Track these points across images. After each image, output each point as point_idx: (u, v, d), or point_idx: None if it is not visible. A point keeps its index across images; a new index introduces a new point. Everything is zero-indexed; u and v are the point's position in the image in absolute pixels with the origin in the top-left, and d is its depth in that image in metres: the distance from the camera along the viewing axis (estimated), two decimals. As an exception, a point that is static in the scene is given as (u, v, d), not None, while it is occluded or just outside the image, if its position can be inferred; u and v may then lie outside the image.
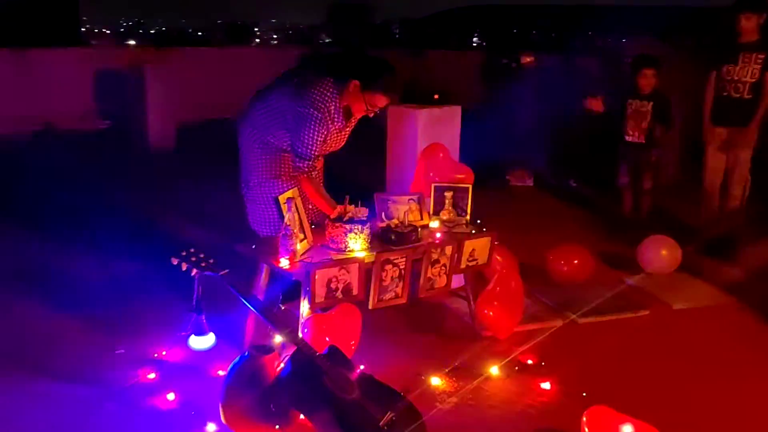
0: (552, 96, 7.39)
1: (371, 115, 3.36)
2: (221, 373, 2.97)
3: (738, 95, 4.85)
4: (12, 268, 4.35)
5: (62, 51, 10.60)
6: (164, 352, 3.20)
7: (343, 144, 3.51)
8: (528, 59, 7.10)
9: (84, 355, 3.23)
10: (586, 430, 2.56)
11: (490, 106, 7.50)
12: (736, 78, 4.83)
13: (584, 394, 2.96)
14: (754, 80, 4.77)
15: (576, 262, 4.25)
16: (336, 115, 3.32)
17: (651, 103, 5.25)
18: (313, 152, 3.24)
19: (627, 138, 5.36)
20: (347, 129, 3.47)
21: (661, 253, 4.47)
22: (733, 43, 4.86)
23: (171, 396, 2.85)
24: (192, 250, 2.70)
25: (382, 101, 3.31)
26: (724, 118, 4.95)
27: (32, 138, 8.77)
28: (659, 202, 5.59)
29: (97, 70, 9.72)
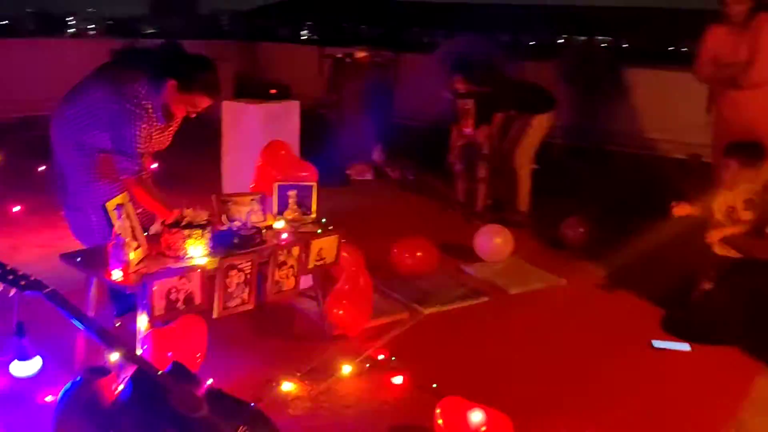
0: (387, 90, 7.52)
1: (192, 115, 3.18)
2: (50, 399, 2.69)
3: None
4: None
5: None
6: (-21, 382, 2.84)
7: (168, 143, 3.31)
8: (362, 54, 7.15)
9: None
10: (440, 422, 2.61)
11: (326, 100, 7.50)
12: None
13: (435, 386, 3.02)
14: None
15: (419, 254, 4.34)
16: (155, 114, 3.11)
17: (471, 100, 5.55)
18: (136, 149, 3.01)
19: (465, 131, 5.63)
20: (171, 128, 3.27)
21: (495, 242, 4.68)
22: None
23: (-10, 432, 2.54)
24: (8, 267, 2.39)
25: (203, 102, 3.14)
26: None
27: None
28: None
29: None
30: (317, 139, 6.89)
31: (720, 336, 3.58)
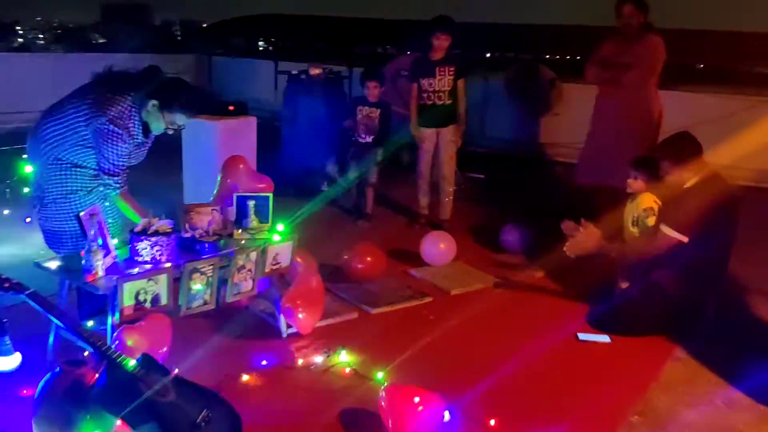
0: (339, 104, 7.85)
1: (170, 132, 3.50)
2: (27, 392, 2.94)
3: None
4: None
5: None
6: (-42, 381, 3.07)
7: (143, 158, 3.61)
8: (317, 71, 7.47)
9: None
10: (383, 404, 2.94)
11: (282, 116, 7.79)
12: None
13: (380, 375, 3.36)
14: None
15: (369, 259, 4.68)
16: (135, 132, 3.40)
17: (379, 110, 6.03)
18: (119, 167, 3.32)
19: (359, 139, 6.09)
20: (147, 145, 3.57)
21: (439, 247, 5.06)
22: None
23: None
24: (-8, 271, 2.66)
25: (181, 119, 3.46)
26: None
27: None
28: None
29: None
30: (273, 151, 7.21)
31: (638, 328, 4.00)
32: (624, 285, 4.26)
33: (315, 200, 5.48)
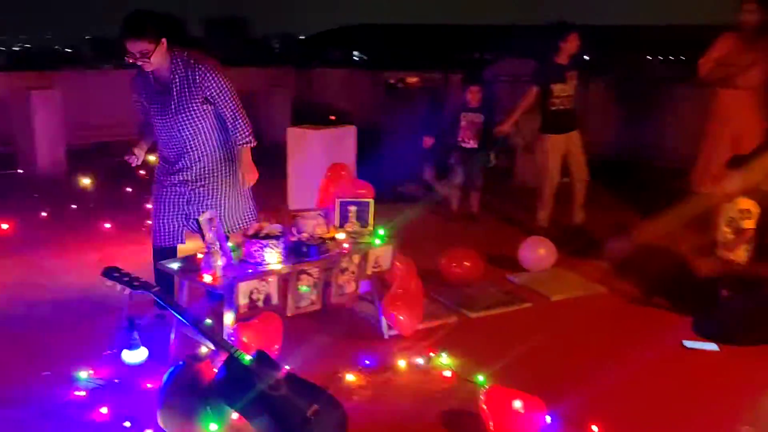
0: (438, 111, 7.95)
1: (131, 60, 3.58)
2: (151, 385, 3.17)
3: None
4: None
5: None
6: (92, 371, 3.34)
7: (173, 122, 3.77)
8: (413, 80, 7.60)
9: (11, 379, 3.33)
10: (484, 407, 2.99)
11: (380, 123, 7.96)
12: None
13: (480, 378, 3.40)
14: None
15: (467, 264, 4.73)
16: (136, 85, 3.84)
17: (482, 115, 6.09)
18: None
19: (464, 145, 6.21)
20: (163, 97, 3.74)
21: (539, 252, 5.04)
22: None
23: (104, 410, 3.03)
24: (123, 271, 2.91)
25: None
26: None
27: None
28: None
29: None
30: (372, 158, 7.38)
31: (747, 336, 3.86)
32: (725, 293, 4.11)
33: (414, 205, 5.60)
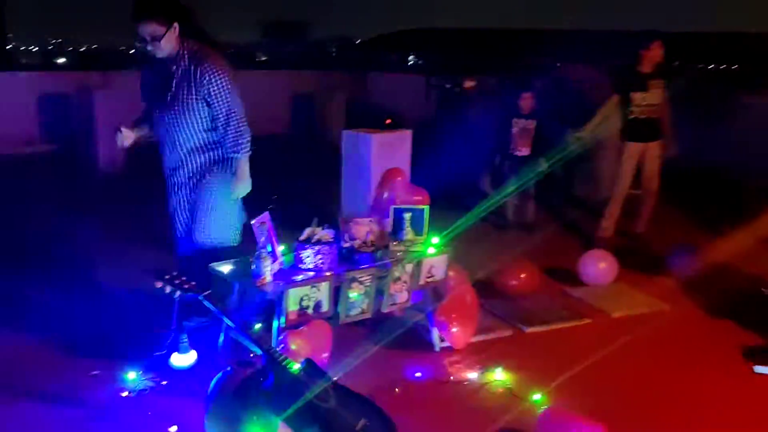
0: (491, 116, 7.79)
1: (142, 46, 3.53)
2: (203, 388, 3.12)
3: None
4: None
5: (5, 75, 10.44)
6: (140, 372, 3.32)
7: (165, 109, 3.63)
8: (470, 84, 7.47)
9: (62, 379, 3.33)
10: (541, 428, 2.84)
11: (435, 128, 7.84)
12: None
13: (537, 397, 3.25)
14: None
15: (523, 276, 4.57)
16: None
17: (534, 121, 6.00)
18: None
19: (516, 153, 6.11)
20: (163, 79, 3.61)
21: (599, 266, 4.84)
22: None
23: (152, 413, 2.99)
24: (174, 273, 2.86)
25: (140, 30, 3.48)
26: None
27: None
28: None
29: (43, 95, 9.64)
30: (425, 164, 7.26)
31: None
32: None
33: (469, 214, 5.44)
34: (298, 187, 7.01)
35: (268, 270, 3.15)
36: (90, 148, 8.56)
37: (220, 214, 3.66)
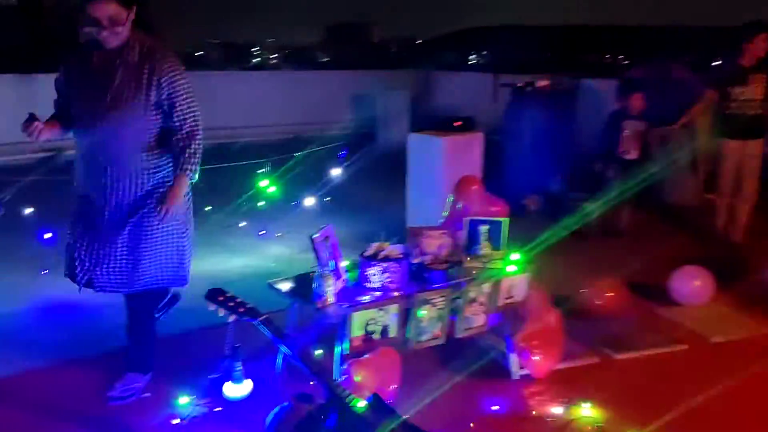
0: (567, 118, 7.32)
1: (91, 31, 2.85)
2: (259, 419, 2.84)
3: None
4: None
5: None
6: (195, 397, 3.06)
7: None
8: (543, 83, 7.03)
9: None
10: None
11: (505, 129, 7.42)
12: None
13: (632, 439, 2.84)
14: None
15: (610, 295, 4.14)
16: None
17: (644, 123, 5.70)
18: None
19: (626, 156, 5.77)
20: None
21: (694, 284, 4.36)
22: None
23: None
24: (228, 294, 2.58)
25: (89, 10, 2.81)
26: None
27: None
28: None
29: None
30: (493, 167, 6.87)
31: None
32: None
33: (557, 225, 5.00)
34: (360, 194, 6.73)
35: (331, 290, 2.84)
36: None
37: (170, 253, 3.03)
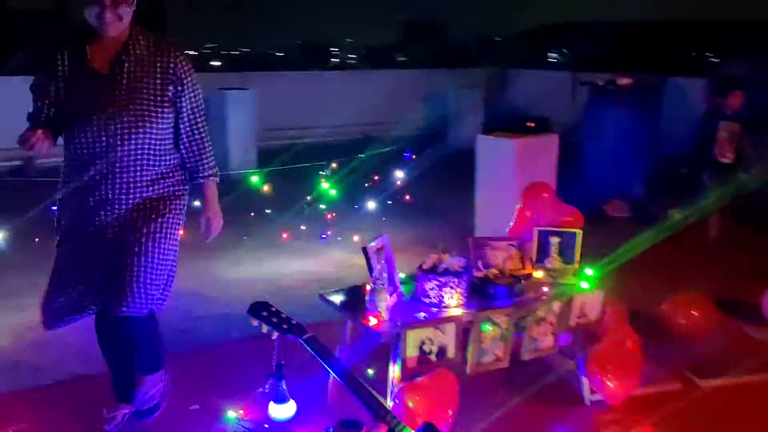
0: (651, 118, 6.88)
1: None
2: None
3: None
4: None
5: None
6: (241, 411, 2.92)
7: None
8: (626, 81, 6.61)
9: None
10: None
11: (582, 130, 7.04)
12: None
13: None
14: None
15: (695, 313, 3.77)
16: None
17: (740, 124, 5.29)
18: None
19: (722, 159, 5.38)
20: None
21: (792, 304, 3.93)
22: None
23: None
24: (273, 309, 2.42)
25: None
26: None
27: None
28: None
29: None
30: (569, 170, 6.51)
31: None
32: None
33: (638, 235, 4.63)
34: (428, 196, 6.50)
35: (384, 305, 2.64)
36: (222, 149, 8.52)
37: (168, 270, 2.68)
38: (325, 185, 5.53)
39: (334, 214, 5.59)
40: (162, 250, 2.59)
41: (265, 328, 2.37)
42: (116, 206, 2.53)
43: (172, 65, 2.53)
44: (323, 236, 5.22)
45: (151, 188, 2.57)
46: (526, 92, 11.60)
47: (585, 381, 3.11)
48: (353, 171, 6.39)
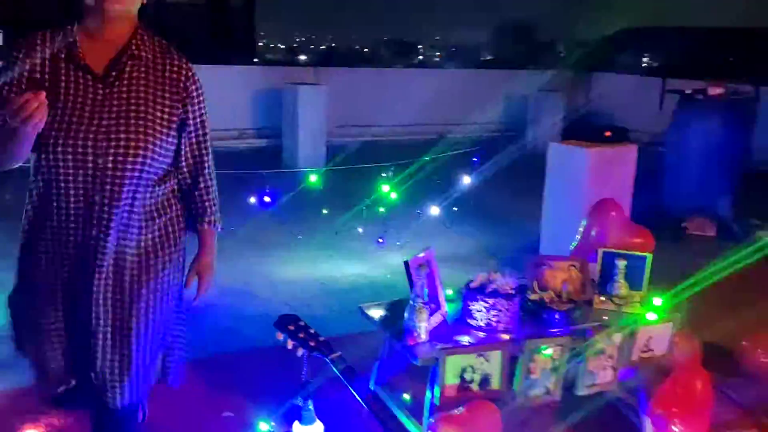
0: (743, 131, 6.37)
1: None
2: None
3: None
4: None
5: (225, 68, 10.81)
6: (274, 423, 2.79)
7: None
8: (717, 90, 6.12)
9: (189, 413, 2.91)
10: None
11: (669, 140, 6.58)
12: None
13: None
14: None
15: (779, 352, 3.39)
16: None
17: None
18: None
19: None
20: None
21: None
22: None
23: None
24: (301, 323, 2.25)
25: None
26: None
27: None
28: None
29: (257, 89, 9.82)
30: (651, 184, 6.09)
31: None
32: None
33: (720, 257, 4.22)
34: (497, 202, 6.22)
35: (423, 326, 2.44)
36: (293, 144, 8.50)
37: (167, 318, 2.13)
38: (385, 188, 5.34)
39: (392, 218, 5.42)
40: (155, 307, 2.04)
41: (290, 344, 2.21)
42: (106, 252, 1.90)
43: (183, 77, 1.99)
44: (380, 240, 5.05)
45: (145, 229, 1.98)
46: (610, 97, 11.09)
47: (647, 422, 2.81)
48: (417, 172, 6.20)
